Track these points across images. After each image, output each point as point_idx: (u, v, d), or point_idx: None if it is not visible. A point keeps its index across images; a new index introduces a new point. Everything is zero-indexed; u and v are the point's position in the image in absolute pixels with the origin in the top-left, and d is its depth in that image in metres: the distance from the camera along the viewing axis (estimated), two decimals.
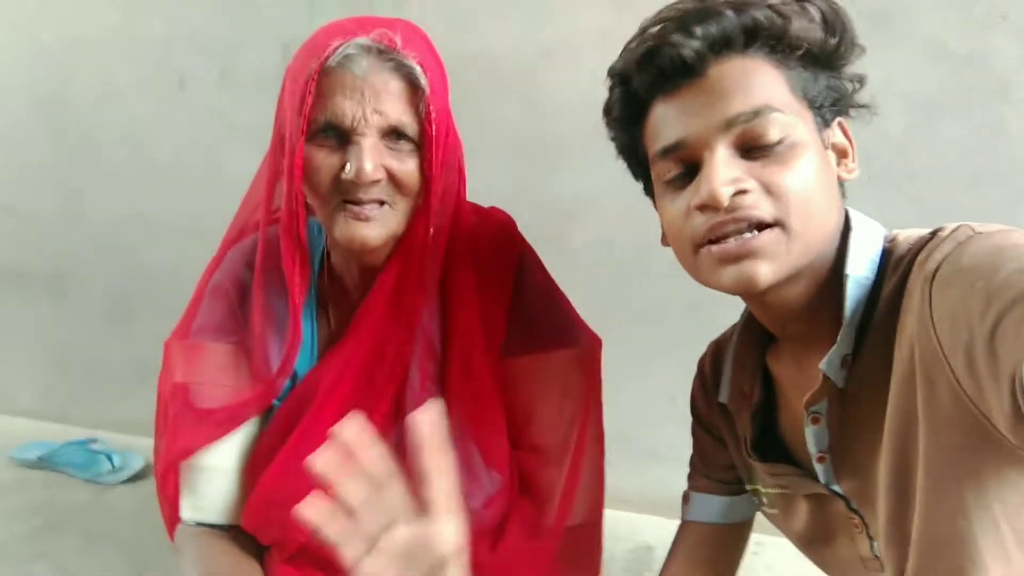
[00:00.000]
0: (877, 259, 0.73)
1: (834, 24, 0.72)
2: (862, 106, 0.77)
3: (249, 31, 1.82)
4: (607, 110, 0.81)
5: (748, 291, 0.70)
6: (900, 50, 1.40)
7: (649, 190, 0.81)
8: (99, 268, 2.11)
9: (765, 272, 0.68)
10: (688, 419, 0.99)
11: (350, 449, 0.62)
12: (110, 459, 1.90)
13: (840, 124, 0.75)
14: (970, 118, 1.40)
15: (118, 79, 1.98)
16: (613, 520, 1.03)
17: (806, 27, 0.70)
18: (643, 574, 1.44)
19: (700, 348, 0.97)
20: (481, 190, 1.03)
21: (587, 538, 1.00)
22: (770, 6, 0.69)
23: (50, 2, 2.02)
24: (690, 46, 0.69)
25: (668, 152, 0.72)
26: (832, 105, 0.74)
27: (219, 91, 1.88)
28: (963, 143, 1.40)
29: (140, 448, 1.93)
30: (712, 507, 0.93)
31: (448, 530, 0.63)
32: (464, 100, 0.99)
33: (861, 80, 0.76)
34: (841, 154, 0.75)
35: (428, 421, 0.63)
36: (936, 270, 0.63)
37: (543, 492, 0.95)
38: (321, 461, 0.61)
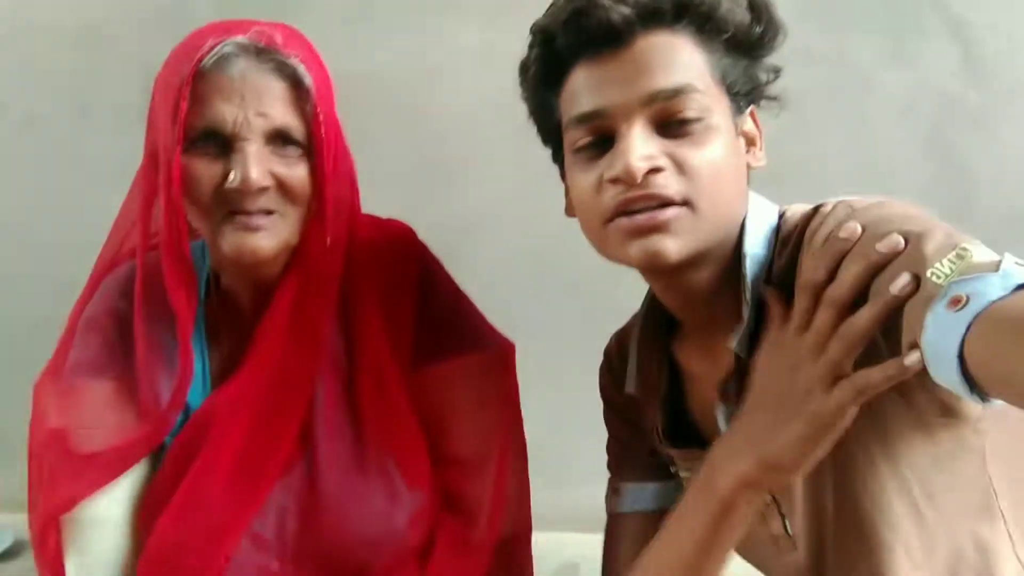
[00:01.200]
0: (771, 236, 0.75)
1: (761, 12, 0.73)
2: (772, 98, 0.78)
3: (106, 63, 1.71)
4: (524, 68, 0.79)
5: (655, 265, 0.70)
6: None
7: (558, 157, 0.80)
8: None
9: (672, 246, 0.68)
10: (598, 429, 0.96)
11: None
12: None
13: (751, 113, 0.77)
14: (836, 117, 1.48)
15: None
16: (534, 540, 0.99)
17: (733, 10, 0.71)
18: None
19: (599, 358, 0.96)
20: (372, 212, 0.99)
21: (518, 552, 0.96)
22: None
23: None
24: (620, 11, 0.68)
25: (584, 120, 0.71)
26: (747, 93, 0.75)
27: (73, 127, 1.75)
28: (831, 141, 1.48)
29: (6, 524, 1.74)
30: (645, 495, 0.91)
31: None
32: (348, 120, 0.95)
33: (777, 72, 0.77)
34: (750, 142, 0.77)
35: None
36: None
37: (469, 506, 0.91)
38: None
